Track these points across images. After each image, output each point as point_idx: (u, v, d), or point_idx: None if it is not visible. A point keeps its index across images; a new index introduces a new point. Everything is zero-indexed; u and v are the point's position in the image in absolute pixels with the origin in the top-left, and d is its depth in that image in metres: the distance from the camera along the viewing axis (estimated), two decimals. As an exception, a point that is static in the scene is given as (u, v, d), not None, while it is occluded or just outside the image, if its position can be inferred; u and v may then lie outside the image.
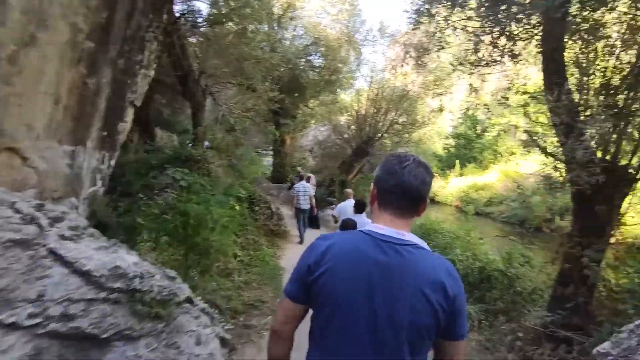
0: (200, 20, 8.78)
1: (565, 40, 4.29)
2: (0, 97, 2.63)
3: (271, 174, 15.96)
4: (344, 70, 13.54)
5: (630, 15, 3.91)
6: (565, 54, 4.39)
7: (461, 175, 25.14)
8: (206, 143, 9.66)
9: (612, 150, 4.06)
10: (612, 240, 4.25)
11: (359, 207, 5.42)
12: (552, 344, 3.90)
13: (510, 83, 5.33)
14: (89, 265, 1.88)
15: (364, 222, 4.90)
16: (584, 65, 4.31)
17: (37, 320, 1.61)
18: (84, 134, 3.51)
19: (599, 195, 3.97)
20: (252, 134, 20.24)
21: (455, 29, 4.86)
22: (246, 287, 5.87)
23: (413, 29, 4.93)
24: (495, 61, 4.99)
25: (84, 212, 3.70)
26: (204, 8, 11.27)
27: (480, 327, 4.79)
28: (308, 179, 9.79)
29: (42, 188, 3.10)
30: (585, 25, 4.21)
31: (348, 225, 4.10)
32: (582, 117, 4.09)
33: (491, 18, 4.47)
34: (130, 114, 4.22)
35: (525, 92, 5.14)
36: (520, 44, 4.66)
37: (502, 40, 4.78)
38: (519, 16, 4.07)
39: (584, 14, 4.17)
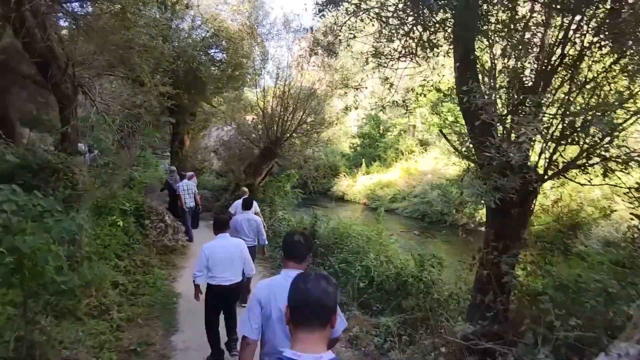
0: (64, -6, 7.13)
1: (476, 36, 4.13)
2: None
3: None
4: (247, 66, 12.63)
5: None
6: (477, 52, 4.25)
7: (367, 173, 26.00)
8: (81, 145, 7.95)
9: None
10: (524, 242, 4.22)
11: (247, 205, 6.13)
12: (475, 356, 3.70)
13: (425, 80, 5.07)
14: None
15: (251, 218, 6.04)
16: (492, 64, 4.23)
17: None
18: None
19: (515, 198, 3.88)
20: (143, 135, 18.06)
21: (367, 11, 4.41)
22: (129, 325, 4.73)
23: (318, 14, 4.32)
24: (410, 53, 4.67)
25: None
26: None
27: (401, 342, 4.47)
28: (190, 177, 9.67)
29: None
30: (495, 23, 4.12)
31: (219, 220, 4.35)
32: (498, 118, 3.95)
33: (405, 4, 4.11)
34: None
35: (438, 90, 4.91)
36: (438, 35, 4.40)
37: (417, 31, 4.47)
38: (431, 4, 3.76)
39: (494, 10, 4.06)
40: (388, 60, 4.82)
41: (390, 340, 4.74)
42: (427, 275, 5.46)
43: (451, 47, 4.42)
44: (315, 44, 5.11)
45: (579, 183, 3.92)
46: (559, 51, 3.81)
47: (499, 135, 3.76)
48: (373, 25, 4.63)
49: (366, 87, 5.78)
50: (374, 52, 4.77)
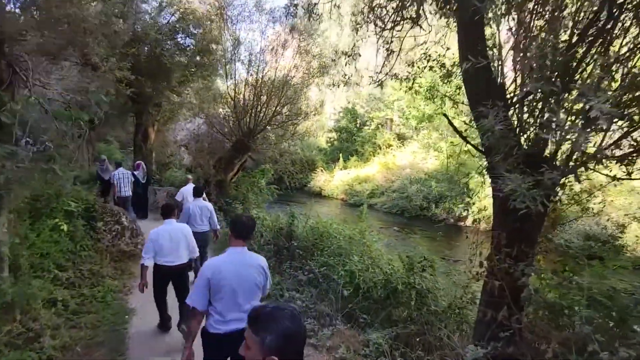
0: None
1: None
2: None
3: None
4: (217, 52, 11.62)
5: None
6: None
7: (345, 168, 25.42)
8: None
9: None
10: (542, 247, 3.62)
11: (198, 192, 6.41)
12: (486, 385, 3.08)
13: (426, 53, 4.39)
14: None
15: (203, 205, 6.31)
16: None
17: None
18: None
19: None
20: (107, 128, 16.72)
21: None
22: (63, 355, 3.84)
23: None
24: (406, 18, 3.96)
25: None
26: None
27: (396, 365, 3.80)
28: (137, 167, 9.53)
29: None
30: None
31: (166, 206, 4.65)
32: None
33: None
34: None
35: (442, 66, 4.23)
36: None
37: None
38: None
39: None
40: (384, 22, 4.05)
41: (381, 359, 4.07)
42: (420, 282, 4.82)
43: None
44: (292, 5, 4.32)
45: (611, 177, 3.30)
46: None
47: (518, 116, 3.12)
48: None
49: (360, 55, 5.02)
50: (368, 7, 3.98)
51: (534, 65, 2.93)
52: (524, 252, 3.38)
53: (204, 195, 6.84)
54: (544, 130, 3.31)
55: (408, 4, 3.79)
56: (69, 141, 7.87)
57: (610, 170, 2.94)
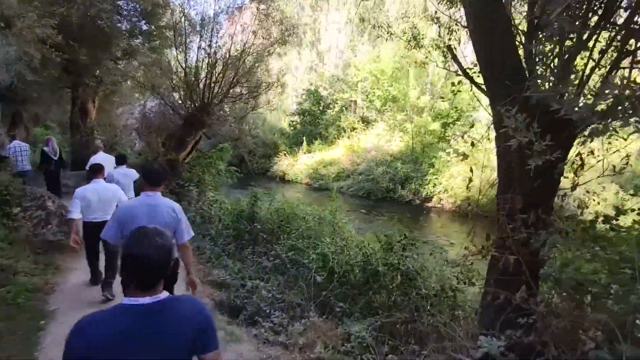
0: None
1: None
2: None
3: (70, 158, 11.58)
4: (164, 17, 10.29)
5: None
6: None
7: (309, 152, 24.61)
8: None
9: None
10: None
11: (121, 160, 6.25)
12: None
13: None
14: None
15: (127, 172, 6.10)
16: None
17: None
18: None
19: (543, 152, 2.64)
20: (42, 107, 14.76)
21: None
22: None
23: None
24: None
25: None
26: None
27: (386, 363, 3.12)
28: (47, 142, 8.39)
29: None
30: None
31: (92, 167, 4.61)
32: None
33: None
34: None
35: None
36: None
37: None
38: None
39: None
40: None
41: (368, 354, 3.38)
42: (405, 263, 4.16)
43: None
44: None
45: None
46: None
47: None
48: None
49: None
50: None
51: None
52: (542, 219, 2.77)
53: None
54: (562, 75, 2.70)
55: None
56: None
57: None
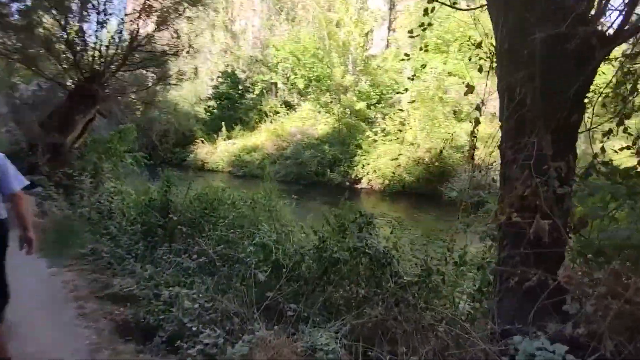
0: None
1: None
2: None
3: None
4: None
5: None
6: None
7: (229, 138, 22.88)
8: None
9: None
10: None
11: None
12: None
13: None
14: None
15: None
16: None
17: None
18: None
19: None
20: None
21: None
22: None
23: None
24: None
25: None
26: None
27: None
28: None
29: None
30: None
31: None
32: None
33: None
34: None
35: None
36: None
37: None
38: None
39: None
40: None
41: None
42: (374, 245, 3.31)
43: None
44: None
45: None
46: None
47: None
48: None
49: None
50: None
51: None
52: (572, 169, 2.08)
53: None
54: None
55: None
56: None
57: None
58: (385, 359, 2.44)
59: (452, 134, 15.54)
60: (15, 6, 9.25)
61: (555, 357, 1.62)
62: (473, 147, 3.30)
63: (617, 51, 2.33)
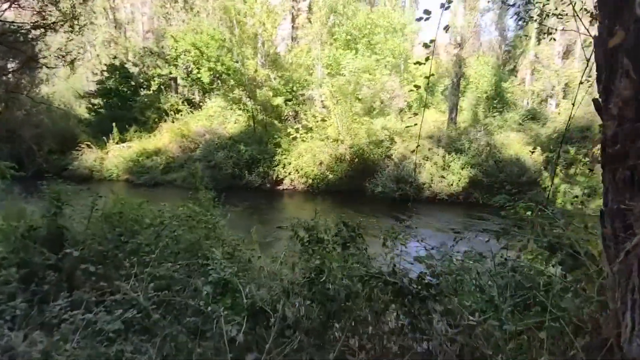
0: None
1: None
2: None
3: None
4: None
5: None
6: None
7: (123, 141, 19.75)
8: None
9: None
10: None
11: None
12: None
13: None
14: None
15: None
16: None
17: None
18: None
19: None
20: None
21: None
22: None
23: None
24: None
25: None
26: None
27: None
28: None
29: None
30: None
31: None
32: None
33: None
34: None
35: None
36: None
37: None
38: None
39: None
40: None
41: None
42: (399, 269, 2.40)
43: None
44: None
45: None
46: None
47: None
48: None
49: None
50: None
51: None
52: None
53: None
54: None
55: None
56: None
57: None
58: None
59: (369, 130, 15.59)
60: None
61: None
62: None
63: None
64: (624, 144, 1.27)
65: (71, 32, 6.02)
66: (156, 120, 21.50)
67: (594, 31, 1.54)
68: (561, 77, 20.19)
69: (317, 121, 16.18)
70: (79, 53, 20.00)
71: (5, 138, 7.01)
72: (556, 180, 13.76)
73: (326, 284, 2.57)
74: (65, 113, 20.39)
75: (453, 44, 18.44)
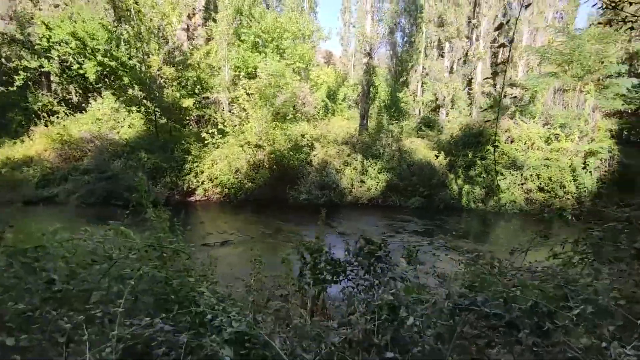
0: None
1: None
2: None
3: None
4: None
5: None
6: None
7: (-26, 149, 15.61)
8: None
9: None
10: None
11: None
12: None
13: None
14: None
15: None
16: None
17: None
18: None
19: None
20: None
21: None
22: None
23: None
24: None
25: None
26: None
27: None
28: None
29: None
30: None
31: None
32: None
33: None
34: None
35: None
36: None
37: None
38: None
39: None
40: None
41: None
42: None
43: None
44: None
45: None
46: None
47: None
48: None
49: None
50: None
51: None
52: None
53: None
54: None
55: None
56: None
57: None
58: None
59: (290, 135, 15.13)
60: None
61: None
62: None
63: None
64: None
65: None
66: (22, 123, 17.60)
67: None
68: (450, 89, 22.63)
69: (234, 125, 15.03)
70: None
71: None
72: (459, 182, 15.17)
73: (403, 324, 2.01)
74: None
75: (363, 53, 19.16)
